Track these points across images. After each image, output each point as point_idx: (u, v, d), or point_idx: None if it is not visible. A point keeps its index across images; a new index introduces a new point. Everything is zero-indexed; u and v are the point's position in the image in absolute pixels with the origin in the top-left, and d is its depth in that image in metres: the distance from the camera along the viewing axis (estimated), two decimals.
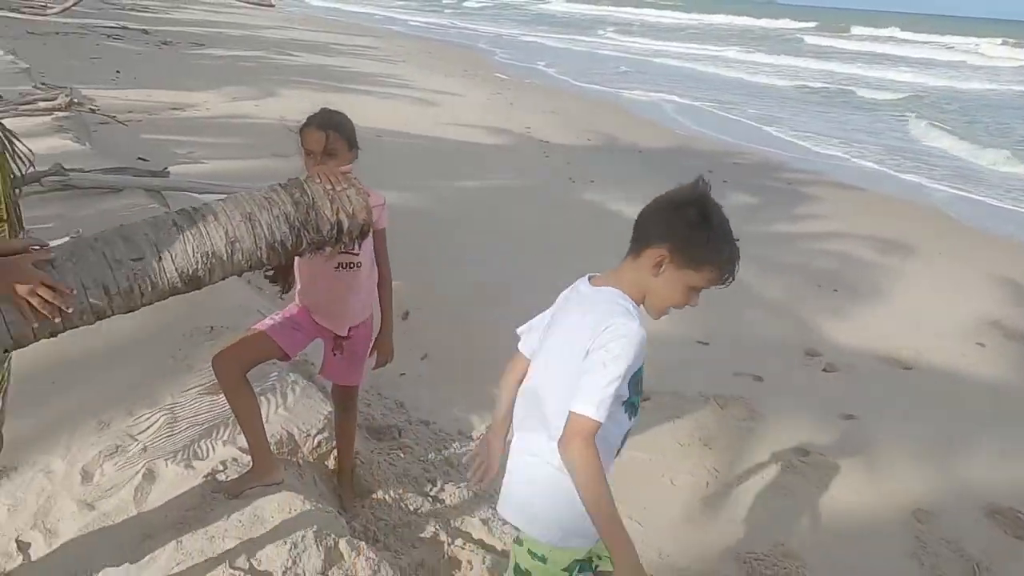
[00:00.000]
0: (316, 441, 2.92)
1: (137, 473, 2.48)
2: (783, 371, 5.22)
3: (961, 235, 8.92)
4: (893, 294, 6.78)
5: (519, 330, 2.07)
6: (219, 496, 2.43)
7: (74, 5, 16.96)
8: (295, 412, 3.00)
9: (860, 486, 3.99)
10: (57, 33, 15.26)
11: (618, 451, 1.91)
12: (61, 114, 7.09)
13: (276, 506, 2.36)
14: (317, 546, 2.24)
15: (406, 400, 4.13)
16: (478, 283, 5.93)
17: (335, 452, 2.97)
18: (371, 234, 2.62)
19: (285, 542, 2.22)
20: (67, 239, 2.13)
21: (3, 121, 2.69)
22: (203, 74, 12.96)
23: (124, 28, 17.37)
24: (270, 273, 2.64)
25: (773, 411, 4.62)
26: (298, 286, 2.67)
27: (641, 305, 1.84)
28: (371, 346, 2.82)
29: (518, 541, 1.90)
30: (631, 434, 3.95)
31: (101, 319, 1.96)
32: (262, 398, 2.98)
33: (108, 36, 15.83)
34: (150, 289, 1.95)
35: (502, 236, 7.13)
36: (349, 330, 2.74)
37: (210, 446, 2.67)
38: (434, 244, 6.59)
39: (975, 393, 5.13)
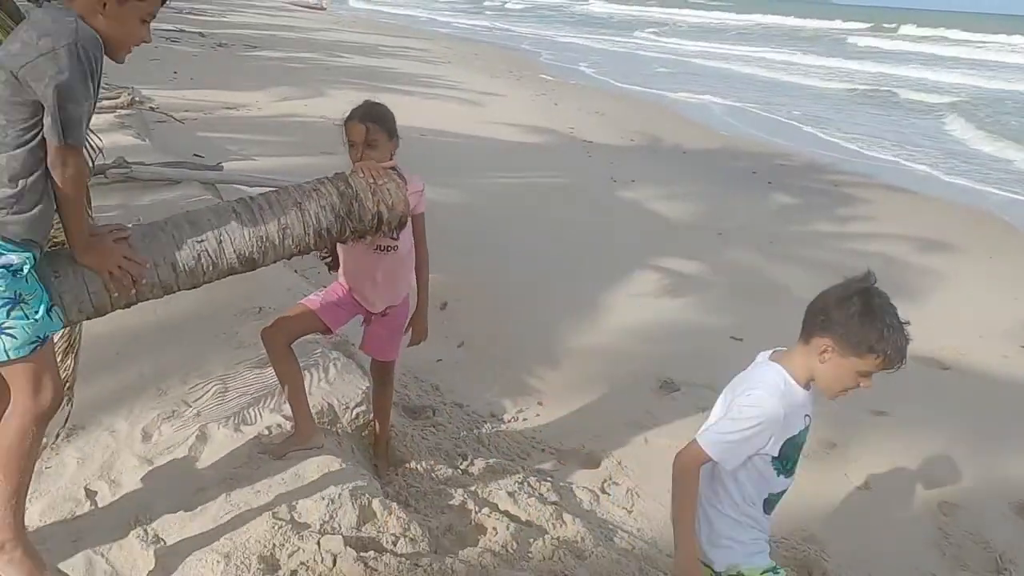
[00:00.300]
0: (355, 413, 3.12)
1: (191, 434, 2.71)
2: None
3: (1013, 238, 8.76)
4: (937, 295, 6.70)
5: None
6: (264, 457, 2.65)
7: None
8: (336, 386, 3.21)
9: (886, 478, 4.01)
10: None
11: (771, 505, 2.12)
12: (123, 112, 7.49)
13: (316, 467, 2.56)
14: (352, 504, 2.43)
15: (441, 384, 4.31)
16: (516, 276, 6.09)
17: (372, 424, 3.17)
18: (410, 219, 2.83)
19: (323, 498, 2.42)
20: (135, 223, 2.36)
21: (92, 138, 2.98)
22: (256, 75, 13.39)
23: (181, 31, 18.00)
24: (328, 259, 2.89)
25: None
26: (341, 266, 2.86)
27: (811, 384, 2.07)
28: (407, 324, 3.00)
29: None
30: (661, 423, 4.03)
31: (168, 293, 2.20)
32: (305, 372, 3.19)
33: (166, 39, 16.42)
34: (211, 268, 2.17)
35: (541, 232, 7.27)
36: (386, 308, 2.92)
37: (257, 413, 2.89)
38: (474, 238, 6.77)
39: (1013, 394, 5.08)
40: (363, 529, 2.40)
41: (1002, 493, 3.96)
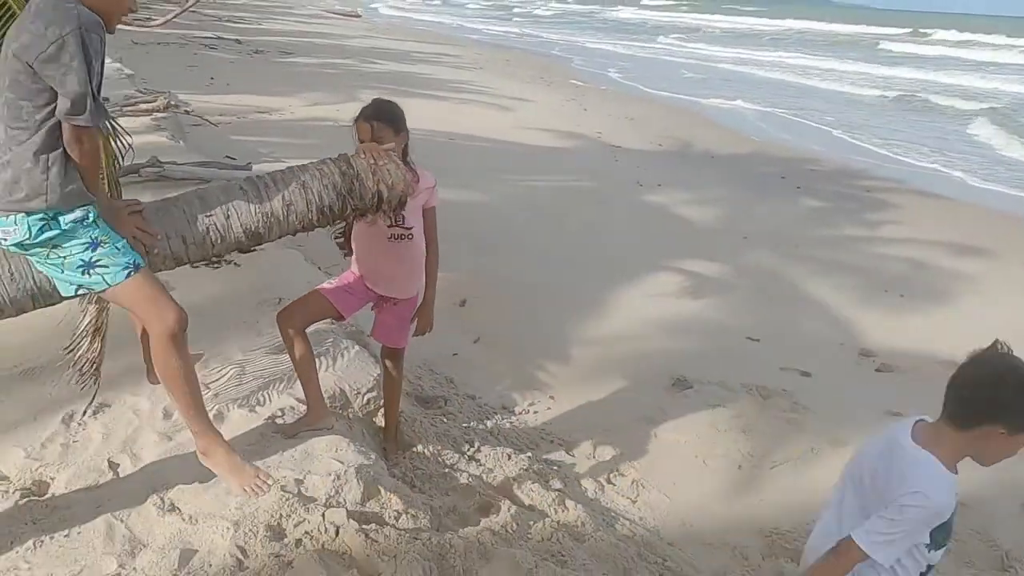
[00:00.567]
0: (365, 399, 3.25)
1: (208, 413, 2.85)
2: (833, 369, 5.25)
3: None
4: (967, 300, 6.64)
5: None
6: (277, 435, 2.79)
7: (175, 18, 18.11)
8: (348, 373, 3.34)
9: None
10: (159, 43, 16.35)
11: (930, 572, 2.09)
12: (159, 115, 7.76)
13: (325, 446, 2.69)
14: (357, 481, 2.55)
15: (455, 377, 4.41)
16: (535, 276, 6.18)
17: (382, 410, 3.29)
18: (423, 213, 2.96)
19: (330, 474, 2.54)
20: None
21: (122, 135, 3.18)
22: (290, 80, 13.68)
23: (219, 38, 18.46)
24: (340, 239, 3.03)
25: (816, 405, 4.66)
26: (354, 253, 2.99)
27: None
28: (414, 315, 3.11)
29: None
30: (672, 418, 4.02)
31: (180, 265, 2.35)
32: (319, 358, 3.32)
33: (205, 46, 16.88)
34: (220, 241, 2.32)
35: (563, 234, 7.35)
36: (397, 297, 3.04)
37: (271, 395, 3.04)
38: (497, 238, 6.89)
39: None
40: (367, 505, 2.51)
41: (1013, 493, 3.94)
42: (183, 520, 2.33)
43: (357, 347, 3.52)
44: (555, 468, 3.59)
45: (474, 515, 2.83)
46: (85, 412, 2.87)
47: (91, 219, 2.19)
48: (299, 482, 2.50)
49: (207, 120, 8.87)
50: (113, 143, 3.09)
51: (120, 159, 3.18)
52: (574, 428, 4.09)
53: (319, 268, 4.63)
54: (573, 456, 3.85)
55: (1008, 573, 3.39)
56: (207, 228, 2.29)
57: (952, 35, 44.41)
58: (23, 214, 2.11)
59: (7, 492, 2.51)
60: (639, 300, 6.00)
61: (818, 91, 20.93)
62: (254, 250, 4.49)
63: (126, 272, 2.21)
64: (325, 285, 3.00)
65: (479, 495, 2.96)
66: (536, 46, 29.77)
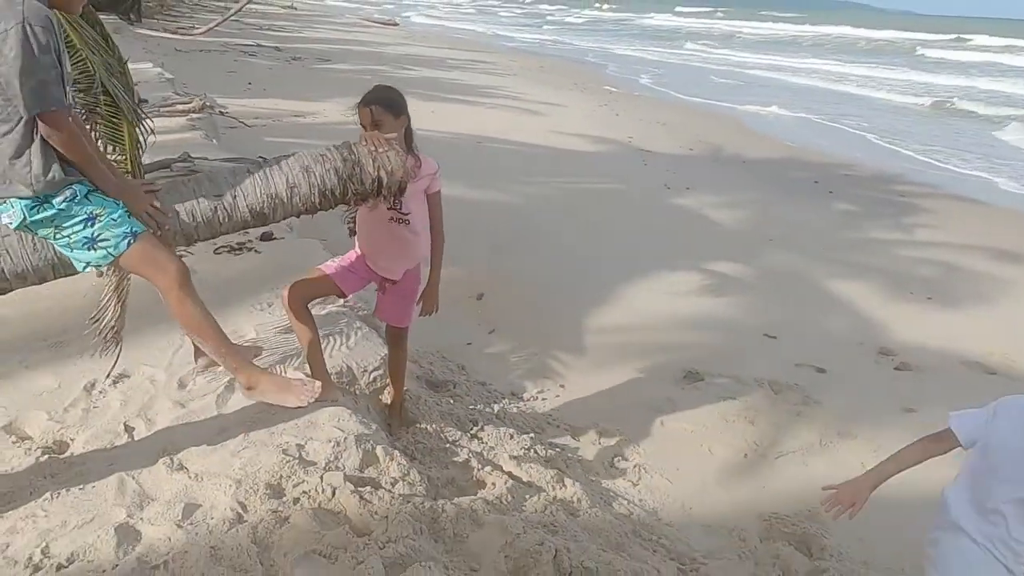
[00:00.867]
0: (372, 377, 3.37)
1: (221, 384, 3.02)
2: (850, 366, 5.23)
3: None
4: (994, 303, 6.57)
5: (953, 414, 2.23)
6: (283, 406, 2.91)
7: (217, 26, 18.66)
8: (355, 351, 3.47)
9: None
10: (201, 51, 16.84)
11: None
12: (195, 116, 8.04)
13: (328, 416, 2.81)
14: (356, 448, 2.67)
15: (467, 364, 4.52)
16: (555, 273, 6.27)
17: (389, 389, 3.40)
18: (427, 198, 3.07)
19: (330, 441, 2.67)
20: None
21: (145, 121, 3.38)
22: (326, 86, 13.96)
23: (259, 45, 18.94)
24: (351, 225, 3.18)
25: (829, 400, 4.67)
26: (358, 235, 3.12)
27: None
28: (419, 295, 3.22)
29: None
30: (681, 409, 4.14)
31: (190, 243, 2.50)
32: (329, 338, 3.47)
33: (245, 52, 17.34)
34: (227, 220, 2.46)
35: (586, 233, 7.42)
36: (397, 276, 3.15)
37: (282, 369, 3.18)
38: (519, 237, 6.99)
39: None
40: (365, 472, 2.63)
41: None
42: (189, 478, 2.48)
43: (366, 328, 3.65)
44: (558, 450, 3.66)
45: (471, 488, 2.93)
46: (108, 375, 3.05)
47: (81, 195, 2.32)
48: (300, 447, 2.62)
49: (241, 122, 9.15)
50: (136, 130, 3.27)
51: (143, 144, 3.36)
52: (581, 415, 4.15)
53: (335, 256, 4.78)
54: (578, 441, 3.92)
55: None
56: (215, 207, 2.44)
57: (994, 41, 43.44)
58: (16, 198, 2.27)
59: (30, 450, 2.68)
60: (657, 297, 6.04)
61: (855, 97, 20.69)
62: (274, 239, 4.70)
63: (127, 241, 2.36)
64: (328, 263, 3.12)
65: (478, 470, 3.05)
66: (570, 53, 29.91)
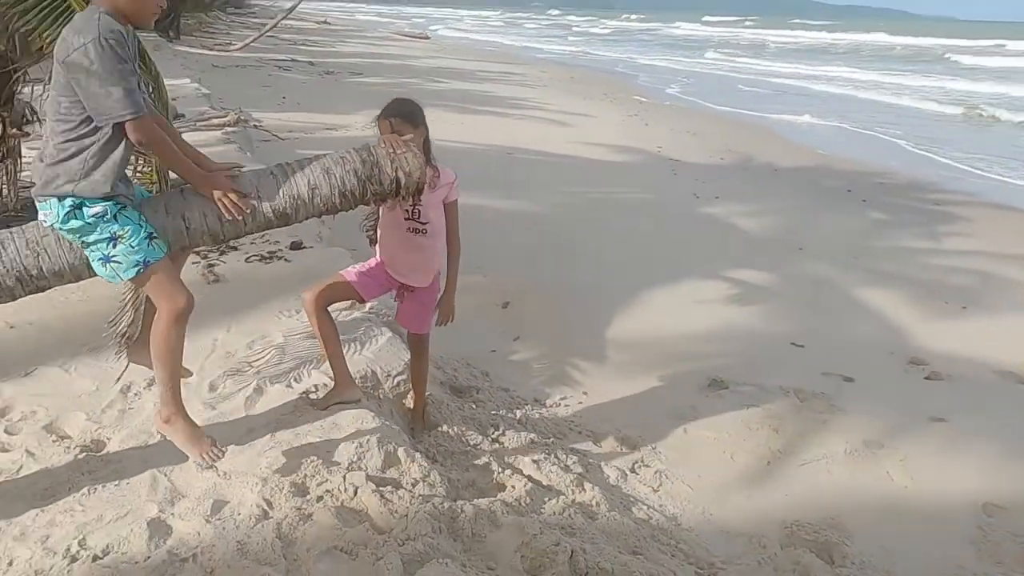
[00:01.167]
0: (395, 381, 3.46)
1: (249, 387, 3.12)
2: (878, 375, 5.17)
3: None
4: None
5: None
6: (309, 408, 3.01)
7: (253, 42, 19.09)
8: (379, 356, 3.56)
9: (930, 478, 3.93)
10: (237, 66, 17.23)
11: None
12: (230, 129, 8.26)
13: (351, 418, 2.90)
14: (379, 449, 2.75)
15: (491, 370, 4.56)
16: (581, 282, 6.29)
17: (412, 393, 3.48)
18: (444, 207, 3.15)
19: (353, 442, 2.75)
20: None
21: (182, 135, 3.51)
22: (357, 99, 14.19)
23: (293, 60, 19.32)
24: (371, 233, 3.26)
25: (856, 408, 4.61)
26: (379, 243, 3.20)
27: None
28: (436, 303, 3.29)
29: None
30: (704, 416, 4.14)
31: (216, 242, 2.63)
32: (354, 343, 3.56)
33: (279, 67, 17.70)
34: (251, 220, 2.56)
35: (613, 243, 7.44)
36: (415, 285, 3.23)
37: (307, 373, 3.28)
38: (545, 246, 7.05)
39: None
40: (387, 472, 2.71)
41: None
42: (218, 476, 2.58)
43: (389, 333, 3.74)
44: (578, 455, 3.70)
45: (491, 490, 2.99)
46: (119, 379, 3.20)
47: (110, 215, 2.43)
48: (325, 448, 2.72)
49: (275, 135, 9.37)
50: None
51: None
52: (603, 421, 4.17)
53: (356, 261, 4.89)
54: (600, 446, 3.94)
55: None
56: None
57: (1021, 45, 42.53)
58: (56, 199, 2.39)
59: (69, 448, 2.81)
60: (684, 305, 6.04)
61: (890, 105, 20.41)
62: (303, 247, 4.82)
63: (136, 270, 2.46)
64: (350, 269, 3.22)
65: (498, 473, 3.11)
66: (599, 64, 29.97)
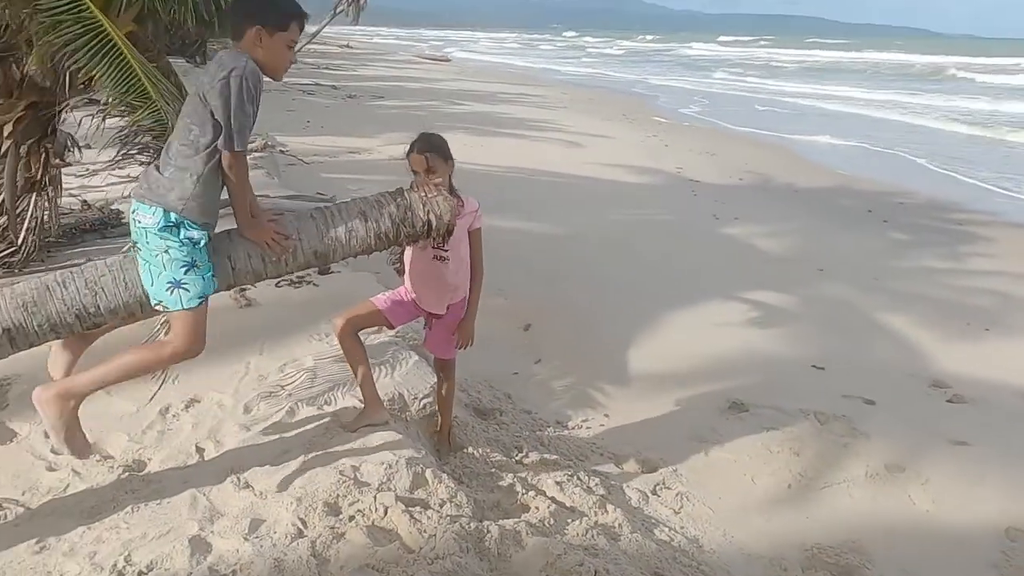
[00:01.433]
0: (422, 404, 3.57)
1: (282, 410, 3.25)
2: (900, 398, 5.17)
3: None
4: None
5: None
6: (340, 430, 3.12)
7: None
8: (407, 379, 3.67)
9: (953, 502, 3.94)
10: (263, 91, 17.55)
11: None
12: (257, 155, 8.47)
13: (380, 439, 3.01)
14: (407, 470, 2.85)
15: (514, 392, 4.65)
16: (601, 303, 6.37)
17: (438, 415, 3.58)
18: (468, 235, 3.26)
19: (382, 464, 2.85)
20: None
21: None
22: (380, 122, 14.47)
23: (317, 84, 19.68)
24: (398, 265, 3.37)
25: (877, 431, 4.62)
26: (407, 273, 3.32)
27: None
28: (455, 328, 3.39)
29: None
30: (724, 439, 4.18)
31: (258, 280, 2.75)
32: (382, 366, 3.67)
33: (303, 91, 18.03)
34: (292, 260, 2.70)
35: (631, 264, 7.51)
36: (441, 312, 3.34)
37: (338, 396, 3.39)
38: (566, 268, 7.14)
39: None
40: (415, 493, 2.80)
41: None
42: (255, 495, 2.69)
43: (416, 357, 3.85)
44: (600, 476, 3.76)
45: (516, 511, 3.07)
46: (151, 400, 3.32)
47: (201, 244, 2.59)
48: (356, 469, 2.82)
49: (301, 159, 9.58)
50: None
51: None
52: (624, 443, 4.23)
53: (387, 288, 5.01)
54: (621, 468, 4.00)
55: None
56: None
57: None
58: (162, 208, 2.54)
59: (112, 468, 2.94)
60: (704, 327, 6.09)
61: (911, 126, 20.33)
62: (331, 271, 4.95)
63: (199, 300, 2.59)
64: (379, 297, 3.35)
65: (522, 495, 3.19)
66: (616, 84, 30.16)
